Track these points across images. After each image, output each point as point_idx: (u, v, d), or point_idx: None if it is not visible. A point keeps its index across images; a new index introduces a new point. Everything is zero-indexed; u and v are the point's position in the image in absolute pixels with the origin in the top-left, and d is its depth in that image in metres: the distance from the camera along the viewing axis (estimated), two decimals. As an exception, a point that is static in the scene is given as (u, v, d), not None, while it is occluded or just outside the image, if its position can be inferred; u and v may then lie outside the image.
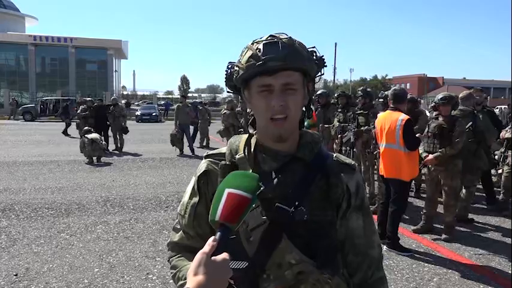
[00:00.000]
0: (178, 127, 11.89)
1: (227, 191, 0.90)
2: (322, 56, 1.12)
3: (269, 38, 1.04)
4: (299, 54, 1.03)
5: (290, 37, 1.06)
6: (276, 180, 1.07)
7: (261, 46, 1.02)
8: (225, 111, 9.79)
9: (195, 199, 1.16)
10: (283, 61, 1.00)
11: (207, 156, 1.19)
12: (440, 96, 5.05)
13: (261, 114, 1.06)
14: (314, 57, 1.09)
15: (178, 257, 1.18)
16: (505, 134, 6.35)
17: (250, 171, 1.06)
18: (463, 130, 4.85)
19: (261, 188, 0.98)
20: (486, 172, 6.72)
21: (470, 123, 5.48)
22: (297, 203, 1.03)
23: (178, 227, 1.20)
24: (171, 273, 1.17)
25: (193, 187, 1.18)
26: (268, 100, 1.03)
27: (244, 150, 1.12)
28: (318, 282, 1.00)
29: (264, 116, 1.05)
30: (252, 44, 1.06)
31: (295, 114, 1.05)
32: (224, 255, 0.84)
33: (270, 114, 1.03)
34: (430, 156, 4.85)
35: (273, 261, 1.02)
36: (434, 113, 5.16)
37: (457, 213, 5.59)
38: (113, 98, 14.39)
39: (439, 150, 4.82)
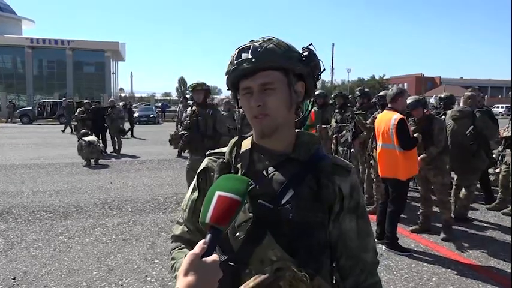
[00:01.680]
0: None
1: (217, 193, 0.93)
2: (310, 52, 1.11)
3: (248, 43, 1.09)
4: (272, 53, 1.05)
5: (269, 38, 1.09)
6: (267, 178, 1.10)
7: (236, 52, 1.09)
8: (222, 112, 9.78)
9: (195, 194, 1.22)
10: (253, 63, 1.04)
11: (208, 155, 1.25)
12: (408, 102, 4.93)
13: (246, 114, 1.12)
14: (302, 56, 1.10)
15: (179, 248, 1.22)
16: (503, 133, 6.35)
17: (233, 172, 1.12)
18: (441, 127, 4.90)
19: (252, 186, 1.02)
20: (484, 171, 6.75)
21: (472, 127, 5.47)
22: (283, 202, 1.06)
23: (181, 221, 1.26)
24: (171, 264, 1.21)
25: (195, 183, 1.24)
26: (249, 101, 1.08)
27: (231, 152, 1.17)
28: (294, 279, 1.00)
29: (248, 116, 1.11)
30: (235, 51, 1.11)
31: (276, 112, 1.08)
32: (214, 257, 0.86)
33: (252, 114, 1.09)
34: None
35: (255, 257, 1.04)
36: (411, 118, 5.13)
37: (456, 212, 5.61)
38: (110, 100, 14.37)
39: (424, 152, 4.83)
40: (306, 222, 1.06)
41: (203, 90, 5.08)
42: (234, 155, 1.16)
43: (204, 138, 5.05)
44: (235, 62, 1.07)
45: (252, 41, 1.09)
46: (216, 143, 4.95)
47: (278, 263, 1.03)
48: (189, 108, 5.38)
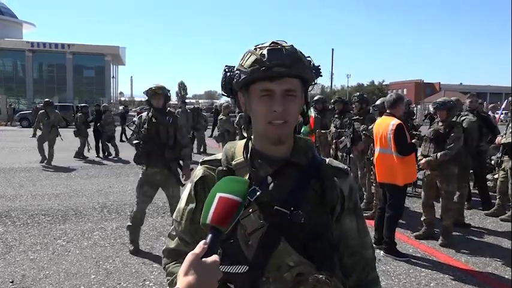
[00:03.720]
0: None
1: (218, 195, 0.93)
2: (319, 65, 1.16)
3: (272, 44, 1.07)
4: (301, 62, 1.07)
5: (292, 45, 1.10)
6: (272, 184, 1.10)
7: (265, 52, 1.05)
8: (221, 116, 9.81)
9: (192, 205, 1.17)
10: (288, 67, 1.03)
11: (203, 163, 1.20)
12: (436, 100, 5.12)
13: (260, 118, 1.08)
14: (312, 66, 1.13)
15: (175, 263, 1.19)
16: (501, 139, 6.37)
17: (248, 175, 1.09)
18: (458, 136, 4.84)
19: (258, 193, 1.03)
20: (481, 177, 6.77)
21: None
22: (293, 206, 1.06)
23: (174, 233, 1.23)
24: (167, 279, 1.18)
25: (190, 193, 1.19)
26: (269, 105, 1.05)
27: (243, 154, 1.15)
28: (318, 282, 1.01)
29: (263, 120, 1.07)
30: (255, 49, 1.08)
31: (293, 119, 1.09)
32: (214, 257, 0.86)
33: (270, 119, 1.06)
34: (423, 160, 4.88)
35: (271, 264, 1.04)
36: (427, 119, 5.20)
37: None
38: (103, 105, 14.44)
39: (431, 155, 4.86)
40: (315, 225, 1.08)
41: (163, 95, 4.55)
42: (247, 156, 1.14)
43: (164, 149, 4.54)
44: (268, 63, 1.03)
45: (275, 42, 1.07)
46: (177, 155, 4.62)
47: (297, 268, 1.03)
48: (144, 114, 4.70)
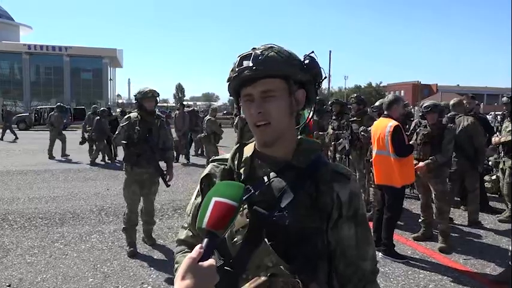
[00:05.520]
0: (180, 134, 11.97)
1: (214, 199, 0.95)
2: (311, 60, 1.12)
3: (249, 50, 1.10)
4: (273, 61, 1.06)
5: (270, 46, 1.10)
6: (266, 185, 1.11)
7: (238, 59, 1.09)
8: (209, 117, 9.80)
9: (198, 199, 1.23)
10: (254, 70, 1.05)
11: (212, 161, 1.27)
12: (425, 104, 5.11)
13: (248, 122, 1.13)
14: (304, 63, 1.11)
15: (183, 252, 1.24)
16: (498, 139, 6.35)
17: (235, 177, 1.13)
18: (452, 138, 4.87)
19: (251, 192, 1.05)
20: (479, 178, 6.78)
21: None
22: (280, 208, 1.06)
23: (186, 225, 1.29)
24: (174, 268, 1.22)
25: (198, 188, 1.26)
26: (250, 108, 1.09)
27: (233, 159, 1.18)
28: (286, 285, 1.00)
29: (250, 123, 1.12)
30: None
31: (278, 120, 1.09)
32: (211, 261, 0.88)
33: (254, 121, 1.09)
34: (421, 163, 4.86)
35: (252, 263, 1.04)
36: (423, 121, 5.19)
37: (469, 219, 5.78)
38: (93, 106, 14.42)
39: (430, 158, 4.84)
40: (302, 228, 1.06)
41: (154, 98, 4.69)
42: (236, 162, 1.17)
43: (155, 151, 4.71)
44: (237, 69, 1.07)
45: (254, 48, 1.10)
46: (162, 156, 4.85)
47: (273, 269, 1.03)
48: (132, 114, 4.78)
